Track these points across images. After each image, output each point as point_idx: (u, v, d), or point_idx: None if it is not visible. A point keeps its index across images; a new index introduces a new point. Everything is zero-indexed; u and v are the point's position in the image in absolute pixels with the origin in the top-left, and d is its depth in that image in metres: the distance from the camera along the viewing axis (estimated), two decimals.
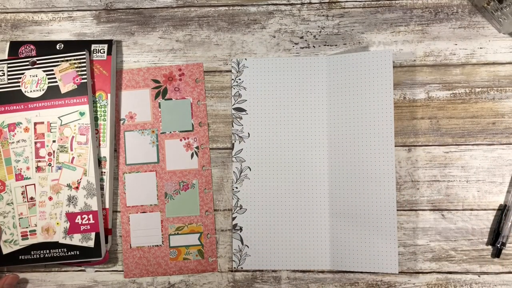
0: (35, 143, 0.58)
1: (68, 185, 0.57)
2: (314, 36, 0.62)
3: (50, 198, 0.57)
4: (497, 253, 0.57)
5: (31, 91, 0.59)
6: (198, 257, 0.60)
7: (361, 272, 0.58)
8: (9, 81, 0.59)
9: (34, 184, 0.58)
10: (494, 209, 0.59)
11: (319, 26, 0.62)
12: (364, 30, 0.61)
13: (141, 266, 0.59)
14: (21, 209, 0.58)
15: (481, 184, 0.59)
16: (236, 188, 0.60)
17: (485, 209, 0.59)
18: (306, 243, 0.59)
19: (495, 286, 0.58)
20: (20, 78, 0.59)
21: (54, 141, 0.58)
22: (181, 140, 0.61)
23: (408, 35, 0.61)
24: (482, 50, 0.60)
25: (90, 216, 0.57)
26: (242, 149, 0.60)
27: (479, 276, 0.58)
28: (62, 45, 0.61)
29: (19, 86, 0.59)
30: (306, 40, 0.62)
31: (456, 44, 0.61)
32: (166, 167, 0.60)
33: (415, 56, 0.61)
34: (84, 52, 0.59)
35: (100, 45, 0.61)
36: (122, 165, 0.60)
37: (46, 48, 0.61)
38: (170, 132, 0.61)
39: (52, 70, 0.59)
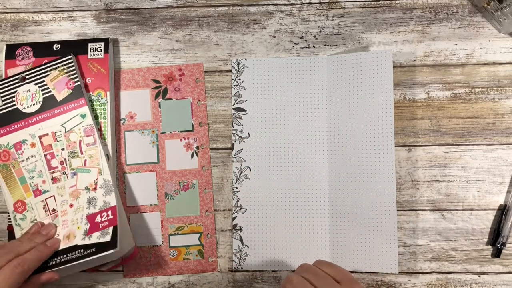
0: (45, 155, 0.58)
1: (86, 188, 0.56)
2: (314, 36, 0.62)
3: (71, 205, 0.56)
4: (497, 253, 0.57)
5: (28, 107, 0.58)
6: (198, 257, 0.60)
7: (361, 272, 0.58)
8: (3, 102, 0.58)
9: (54, 196, 0.57)
10: (494, 209, 0.59)
11: (319, 26, 0.62)
12: (364, 30, 0.61)
13: (141, 266, 0.59)
14: (45, 222, 0.57)
15: (481, 184, 0.59)
16: (236, 188, 0.60)
17: (485, 209, 0.59)
18: (306, 243, 0.59)
19: (495, 286, 0.58)
20: (13, 96, 0.59)
21: (63, 149, 0.57)
22: (181, 140, 0.61)
23: (408, 35, 0.61)
24: (482, 50, 0.60)
25: (109, 212, 0.55)
26: (242, 149, 0.60)
27: (479, 276, 0.58)
28: (59, 46, 0.61)
29: (15, 105, 0.58)
30: (306, 40, 0.62)
31: (456, 44, 0.61)
32: (166, 167, 0.60)
33: (415, 56, 0.61)
34: (70, 57, 0.59)
35: (97, 43, 0.61)
36: (122, 165, 0.60)
37: (42, 49, 0.61)
38: (170, 132, 0.61)
39: (43, 81, 0.59)
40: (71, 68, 0.59)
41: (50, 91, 0.58)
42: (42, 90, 0.58)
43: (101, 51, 0.60)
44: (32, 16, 0.63)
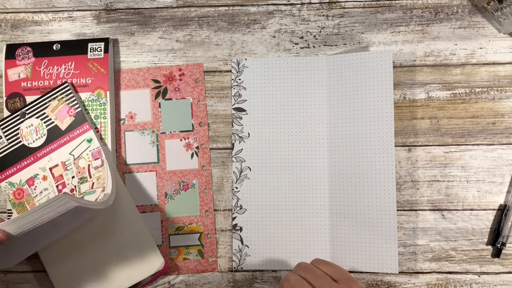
0: (57, 186, 0.57)
1: None
2: (314, 36, 0.62)
3: None
4: (497, 253, 0.57)
5: (33, 141, 0.58)
6: (198, 257, 0.60)
7: (361, 272, 0.58)
8: (9, 141, 0.58)
9: None
10: (494, 209, 0.59)
11: (319, 26, 0.62)
12: (364, 30, 0.61)
13: None
14: None
15: (481, 184, 0.59)
16: (236, 188, 0.60)
17: (485, 209, 0.59)
18: (306, 243, 0.59)
19: (495, 286, 0.58)
20: (18, 133, 0.58)
21: (73, 177, 0.57)
22: (181, 140, 0.61)
23: (408, 35, 0.61)
24: (482, 50, 0.60)
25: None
26: (242, 149, 0.60)
27: (479, 276, 0.58)
28: (59, 46, 0.61)
29: (20, 141, 0.58)
30: (306, 40, 0.62)
31: (456, 44, 0.61)
32: (166, 167, 0.60)
33: (415, 56, 0.61)
34: (66, 84, 0.59)
35: (97, 43, 0.61)
36: (122, 165, 0.60)
37: (42, 49, 0.61)
38: (170, 132, 0.61)
39: (44, 113, 0.58)
40: (70, 95, 0.58)
41: (53, 122, 0.58)
42: (44, 123, 0.58)
43: (101, 51, 0.60)
44: (32, 16, 0.63)
